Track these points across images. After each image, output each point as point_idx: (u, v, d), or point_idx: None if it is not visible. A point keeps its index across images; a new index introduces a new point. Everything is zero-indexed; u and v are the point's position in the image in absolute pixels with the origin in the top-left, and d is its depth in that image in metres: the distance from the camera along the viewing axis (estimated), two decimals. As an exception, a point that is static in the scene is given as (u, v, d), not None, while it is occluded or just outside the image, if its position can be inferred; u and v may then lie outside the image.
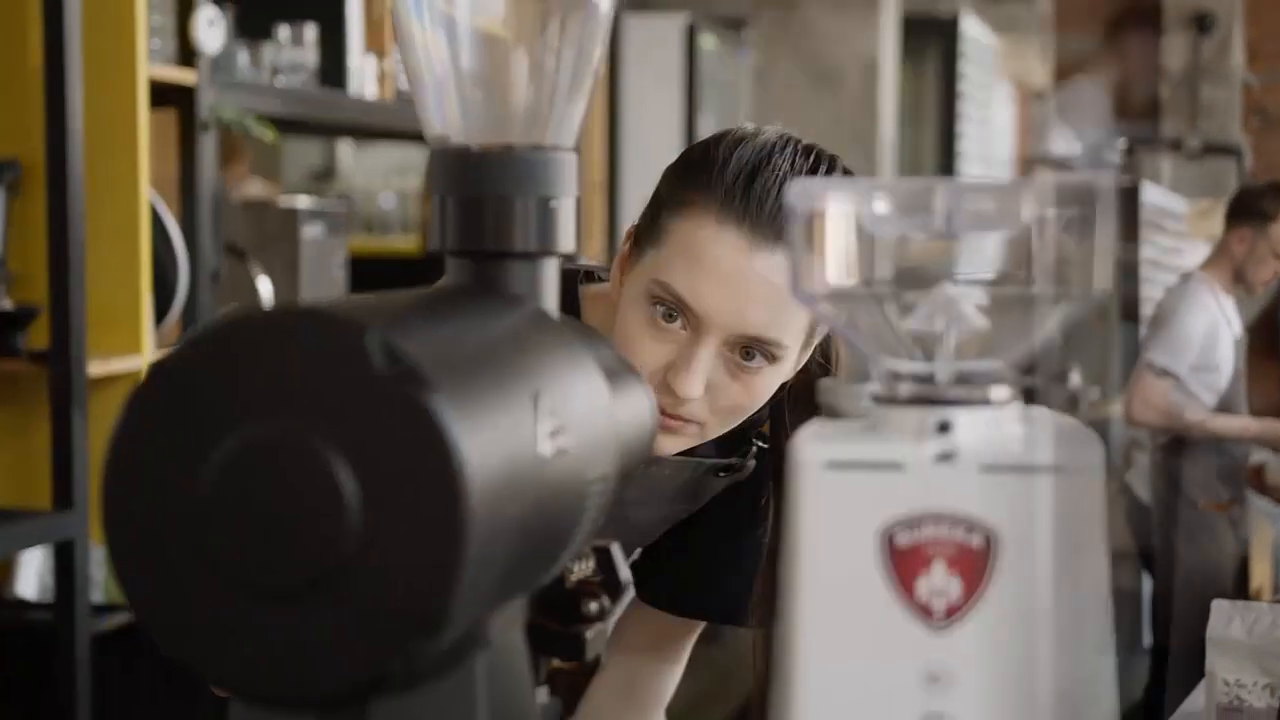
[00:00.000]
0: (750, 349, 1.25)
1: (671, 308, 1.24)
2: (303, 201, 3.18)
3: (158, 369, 0.62)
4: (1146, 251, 6.68)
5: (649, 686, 1.51)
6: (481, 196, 0.78)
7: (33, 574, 2.57)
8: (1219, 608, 1.94)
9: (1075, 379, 0.70)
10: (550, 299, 0.80)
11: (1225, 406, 4.29)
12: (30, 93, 2.39)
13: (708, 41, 5.13)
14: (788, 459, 0.69)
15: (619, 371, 0.84)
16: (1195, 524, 4.28)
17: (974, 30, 7.40)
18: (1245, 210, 4.31)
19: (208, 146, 2.66)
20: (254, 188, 4.49)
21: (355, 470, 0.60)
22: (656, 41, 4.97)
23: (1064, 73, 9.59)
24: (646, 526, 1.44)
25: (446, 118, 0.80)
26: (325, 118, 3.11)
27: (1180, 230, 7.34)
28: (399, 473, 0.60)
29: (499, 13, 0.81)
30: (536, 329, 0.75)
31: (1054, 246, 0.69)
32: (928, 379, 0.69)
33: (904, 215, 0.69)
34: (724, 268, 1.23)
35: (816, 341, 1.32)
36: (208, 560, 0.61)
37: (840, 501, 0.67)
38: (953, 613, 0.66)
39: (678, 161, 1.30)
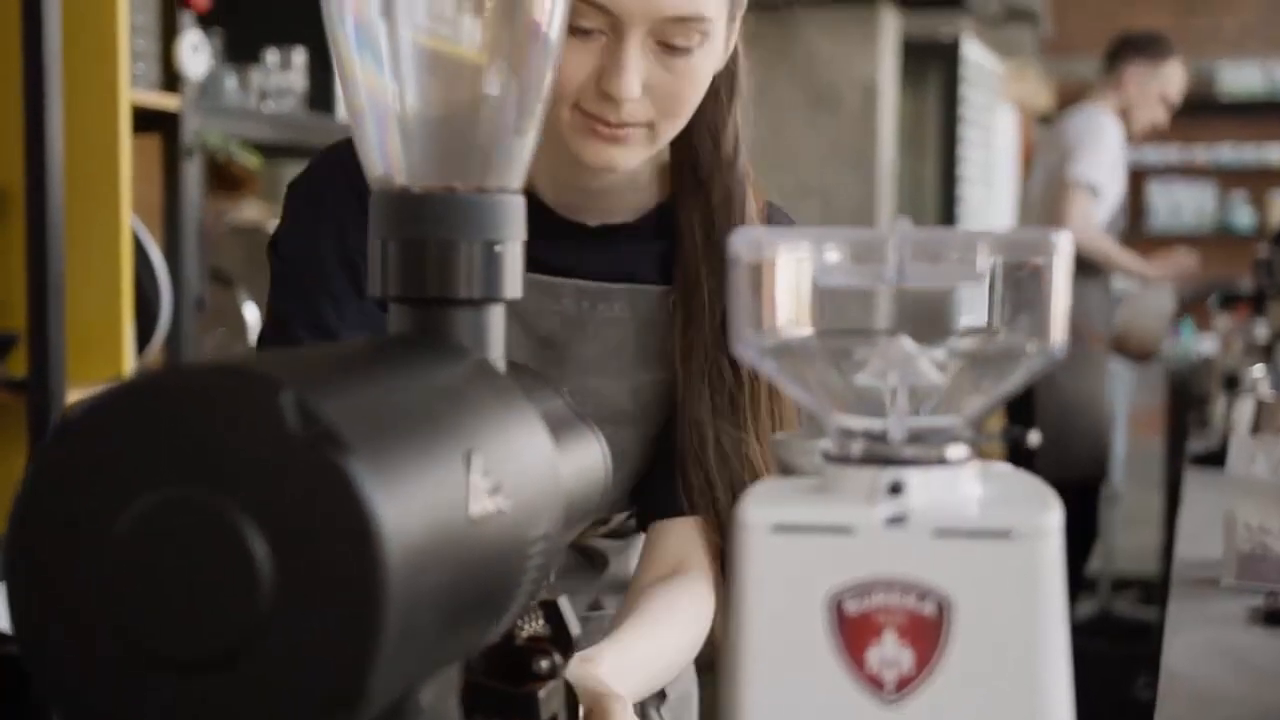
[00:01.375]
0: (673, 41, 1.21)
1: (582, 19, 1.19)
2: (292, 227, 3.14)
3: (66, 426, 0.59)
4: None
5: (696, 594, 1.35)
6: (423, 240, 0.75)
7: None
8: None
9: (1034, 437, 0.67)
10: (496, 348, 0.77)
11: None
12: (10, 117, 2.36)
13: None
14: (734, 520, 0.66)
15: (567, 423, 0.81)
16: (1082, 355, 4.28)
17: (975, 54, 7.38)
18: (1137, 50, 4.40)
19: (192, 172, 2.63)
20: (249, 211, 4.47)
21: (268, 536, 0.57)
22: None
23: (1067, 96, 9.59)
24: (613, 402, 1.35)
25: (388, 158, 0.78)
26: (313, 143, 3.09)
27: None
28: (313, 539, 0.56)
29: (442, 49, 0.78)
30: (476, 382, 0.72)
31: (1011, 299, 0.66)
32: (880, 437, 0.66)
33: (856, 265, 0.66)
34: None
35: (740, 15, 1.30)
36: (114, 628, 0.58)
37: (787, 566, 0.64)
38: (904, 685, 0.63)
39: None
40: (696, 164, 1.35)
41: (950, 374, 0.66)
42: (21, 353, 2.35)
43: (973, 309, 0.67)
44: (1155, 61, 4.38)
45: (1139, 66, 4.39)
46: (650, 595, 1.31)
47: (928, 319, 0.67)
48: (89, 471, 0.58)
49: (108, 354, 2.43)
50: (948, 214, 7.24)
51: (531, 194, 1.35)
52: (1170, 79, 4.44)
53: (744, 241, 0.66)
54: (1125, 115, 4.40)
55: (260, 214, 4.18)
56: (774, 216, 1.41)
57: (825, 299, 0.67)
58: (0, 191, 2.40)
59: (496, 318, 0.77)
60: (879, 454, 0.66)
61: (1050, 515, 0.64)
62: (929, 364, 0.66)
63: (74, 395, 2.35)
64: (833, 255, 0.66)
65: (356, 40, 0.77)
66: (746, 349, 0.67)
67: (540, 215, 1.35)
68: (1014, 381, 0.67)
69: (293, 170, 3.97)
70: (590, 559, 1.45)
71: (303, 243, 1.33)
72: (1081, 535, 4.50)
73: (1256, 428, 2.87)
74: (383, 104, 0.77)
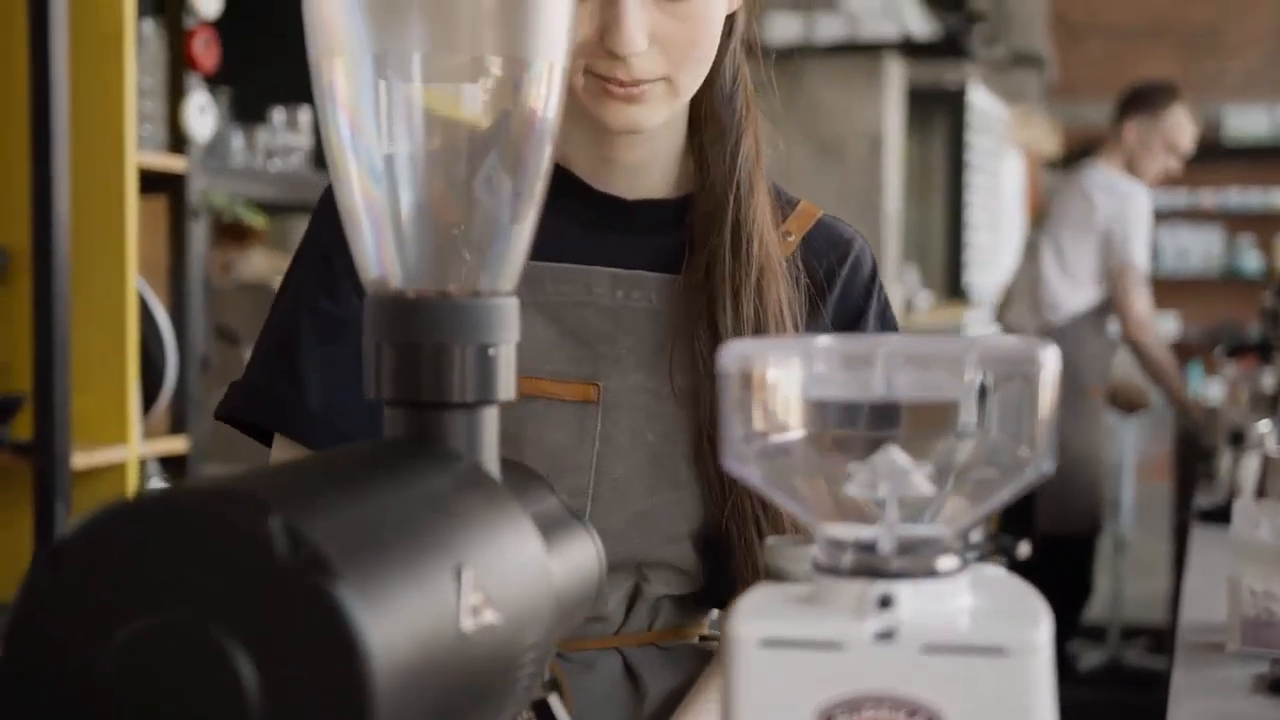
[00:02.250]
0: None
1: None
2: (298, 283, 3.15)
3: (58, 550, 0.59)
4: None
5: None
6: (418, 344, 0.76)
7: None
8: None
9: (1024, 548, 0.67)
10: (489, 449, 0.77)
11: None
12: (17, 179, 2.38)
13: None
14: (722, 634, 0.66)
15: (560, 523, 0.81)
16: (1082, 407, 4.28)
17: (981, 100, 7.40)
18: (1137, 103, 4.43)
19: (198, 233, 2.65)
20: (257, 260, 4.48)
21: (257, 661, 0.57)
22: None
23: (1073, 141, 9.63)
24: (659, 408, 1.26)
25: (383, 261, 0.78)
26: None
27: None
28: (302, 665, 0.57)
29: (437, 151, 0.79)
30: (467, 490, 0.72)
31: (1000, 410, 0.66)
32: (870, 547, 0.66)
33: (845, 374, 0.66)
34: None
35: None
36: (105, 752, 0.58)
37: (777, 681, 0.64)
38: (894, 801, 0.63)
39: None
40: (696, 104, 1.28)
41: (941, 486, 0.66)
42: (27, 415, 2.35)
43: (963, 420, 0.67)
44: (1155, 112, 4.40)
45: (1139, 119, 4.42)
46: (702, 681, 1.26)
47: (918, 429, 0.68)
48: (80, 597, 0.59)
49: (113, 416, 2.43)
50: (954, 260, 7.25)
51: (564, 170, 1.27)
52: (1174, 127, 4.44)
53: (732, 355, 0.66)
54: (1132, 167, 4.42)
55: (267, 267, 4.19)
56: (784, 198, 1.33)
57: (816, 408, 0.67)
58: (7, 253, 2.42)
59: (490, 420, 0.77)
60: (868, 566, 0.66)
61: (1041, 630, 0.63)
62: (920, 476, 0.66)
63: (80, 459, 2.36)
64: (821, 366, 0.66)
65: (351, 144, 0.77)
66: (735, 460, 0.67)
67: (574, 189, 1.27)
68: (1005, 494, 0.67)
69: (300, 225, 4.02)
70: (635, 680, 1.30)
71: (304, 261, 1.28)
72: (1077, 588, 4.49)
73: (1263, 484, 2.87)
74: (377, 207, 0.78)
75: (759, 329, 1.22)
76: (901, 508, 0.66)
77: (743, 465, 0.67)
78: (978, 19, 6.17)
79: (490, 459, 0.77)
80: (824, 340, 0.67)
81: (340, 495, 0.63)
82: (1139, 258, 4.31)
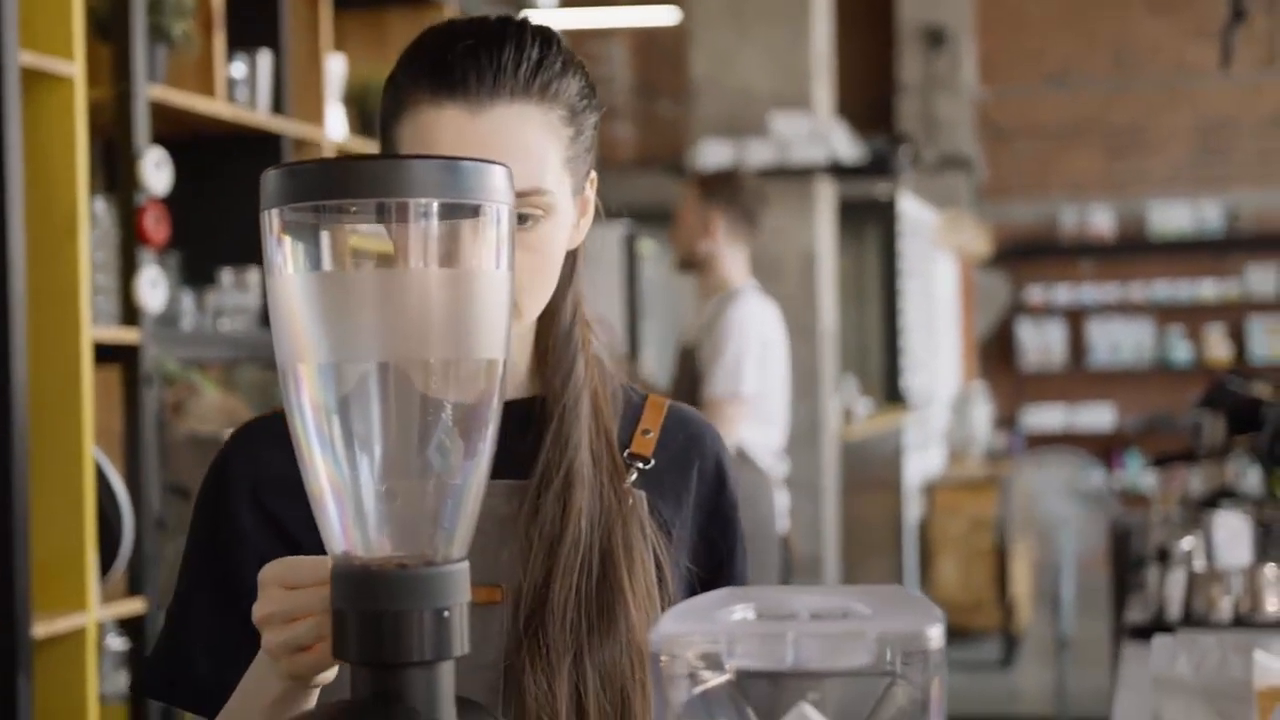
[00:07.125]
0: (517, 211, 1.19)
1: None
2: (248, 434, 3.23)
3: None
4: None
5: None
6: (379, 612, 0.85)
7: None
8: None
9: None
10: (446, 701, 0.86)
11: None
12: (-24, 359, 2.45)
13: (647, 247, 5.25)
14: None
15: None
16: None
17: (911, 208, 7.59)
18: None
19: (150, 399, 2.73)
20: (209, 398, 4.52)
21: None
22: (595, 250, 5.05)
23: (1003, 239, 9.84)
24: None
25: (348, 535, 0.87)
26: (268, 356, 3.18)
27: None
28: None
29: (392, 437, 0.88)
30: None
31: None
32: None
33: (761, 650, 0.76)
34: (451, 140, 1.19)
35: (589, 189, 1.30)
36: None
37: None
38: None
39: (385, 85, 1.28)
40: (542, 338, 1.33)
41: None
42: (-17, 588, 2.41)
43: (864, 681, 0.76)
44: None
45: None
46: None
47: (828, 689, 0.77)
48: None
49: (71, 584, 2.50)
50: (891, 366, 7.40)
51: None
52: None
53: (660, 636, 0.76)
54: None
55: (219, 410, 4.25)
56: (630, 398, 1.38)
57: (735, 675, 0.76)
58: (-33, 430, 2.48)
59: (447, 673, 0.87)
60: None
61: None
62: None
63: (39, 628, 2.41)
64: (739, 644, 0.75)
65: (317, 437, 0.87)
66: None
67: None
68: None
69: (249, 374, 4.05)
70: None
71: (199, 533, 1.31)
72: None
73: (1189, 602, 2.97)
74: (339, 489, 0.87)
75: (561, 531, 1.27)
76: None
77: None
78: (903, 140, 6.34)
79: (447, 710, 0.86)
80: (739, 621, 0.76)
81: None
82: None
